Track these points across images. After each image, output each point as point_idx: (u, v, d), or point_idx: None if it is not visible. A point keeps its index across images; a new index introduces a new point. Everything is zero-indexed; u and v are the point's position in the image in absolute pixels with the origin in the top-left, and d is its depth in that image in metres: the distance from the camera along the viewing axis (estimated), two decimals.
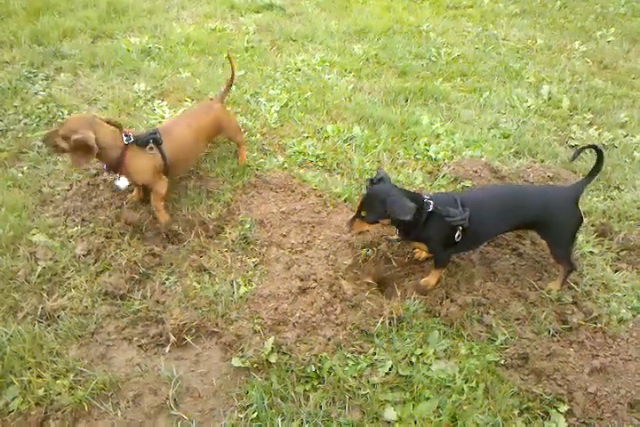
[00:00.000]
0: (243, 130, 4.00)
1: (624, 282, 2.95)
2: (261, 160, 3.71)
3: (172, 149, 2.97)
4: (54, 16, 5.45)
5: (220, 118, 3.35)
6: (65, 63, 4.72)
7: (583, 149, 2.72)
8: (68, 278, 2.77)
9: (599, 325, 2.70)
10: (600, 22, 6.48)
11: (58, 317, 2.59)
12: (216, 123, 3.33)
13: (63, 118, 3.98)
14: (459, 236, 2.58)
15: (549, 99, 4.68)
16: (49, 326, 2.56)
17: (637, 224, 3.35)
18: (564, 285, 2.85)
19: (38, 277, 2.75)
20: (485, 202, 2.71)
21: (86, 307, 2.64)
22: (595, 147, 2.65)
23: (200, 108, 3.40)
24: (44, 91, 4.30)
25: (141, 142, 2.87)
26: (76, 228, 3.03)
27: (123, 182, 3.02)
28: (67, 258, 2.84)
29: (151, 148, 2.90)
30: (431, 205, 2.55)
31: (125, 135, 2.84)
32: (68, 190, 3.34)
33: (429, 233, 2.62)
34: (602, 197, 3.55)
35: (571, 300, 2.80)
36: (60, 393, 2.27)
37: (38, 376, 2.32)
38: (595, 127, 4.27)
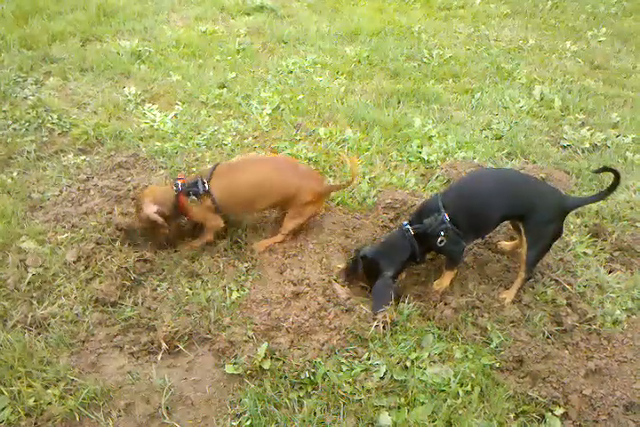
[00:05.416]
0: (235, 134, 3.99)
1: (618, 283, 2.94)
2: None
3: None
4: (43, 20, 5.40)
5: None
6: (54, 67, 4.69)
7: (604, 170, 2.72)
8: (59, 286, 2.73)
9: (594, 326, 2.69)
10: (591, 22, 6.51)
11: (48, 325, 2.55)
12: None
13: (53, 123, 3.95)
14: (441, 242, 2.62)
15: (541, 99, 4.68)
16: (39, 334, 2.52)
17: (630, 224, 3.35)
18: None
19: (28, 284, 2.71)
20: (483, 181, 2.73)
21: (77, 315, 2.60)
22: (615, 171, 2.60)
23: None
24: (33, 95, 4.25)
25: None
26: (66, 234, 2.99)
27: None
28: (57, 265, 2.80)
29: None
30: (411, 231, 2.68)
31: None
32: (58, 196, 3.30)
33: (432, 244, 2.67)
34: None
35: (565, 301, 2.80)
36: (50, 403, 2.23)
37: (28, 386, 2.28)
38: (587, 128, 4.27)
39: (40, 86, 4.44)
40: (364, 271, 2.80)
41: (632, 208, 3.45)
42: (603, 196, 2.71)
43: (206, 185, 2.83)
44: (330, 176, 3.62)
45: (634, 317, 2.78)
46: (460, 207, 2.63)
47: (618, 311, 2.77)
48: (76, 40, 5.14)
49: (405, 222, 2.76)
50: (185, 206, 2.87)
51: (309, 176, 2.98)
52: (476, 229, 2.73)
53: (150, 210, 2.80)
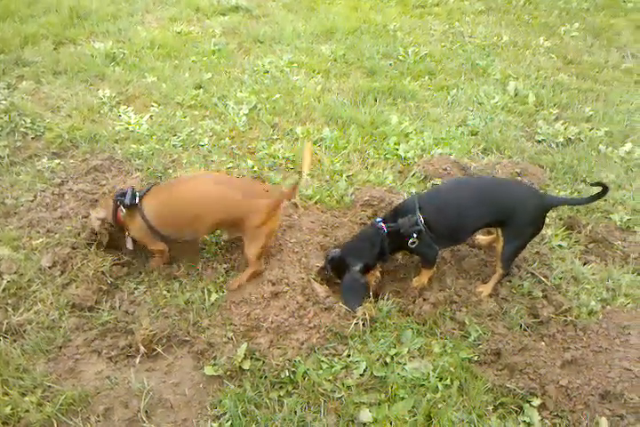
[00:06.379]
0: (211, 134, 3.96)
1: (593, 274, 2.99)
2: (230, 164, 3.67)
3: None
4: (15, 23, 5.32)
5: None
6: (27, 71, 4.61)
7: (598, 184, 2.67)
8: (34, 292, 2.69)
9: (569, 317, 2.73)
10: (564, 18, 6.58)
11: (24, 331, 2.52)
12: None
13: (26, 127, 3.89)
14: (413, 243, 2.64)
15: (516, 95, 4.73)
16: (15, 341, 2.49)
17: (604, 217, 3.40)
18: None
19: (3, 291, 2.67)
20: (462, 191, 2.74)
21: (53, 320, 2.57)
22: (603, 185, 2.60)
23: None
24: (5, 100, 4.17)
25: None
26: (40, 239, 2.95)
27: None
28: (32, 271, 2.77)
29: None
30: (385, 229, 2.69)
31: None
32: (32, 201, 3.26)
33: (403, 244, 2.68)
34: (569, 191, 3.60)
35: (541, 294, 2.84)
36: (27, 410, 2.20)
37: (5, 394, 2.25)
38: (561, 122, 4.32)
39: (13, 90, 4.36)
40: (333, 272, 2.83)
41: (605, 200, 3.50)
42: (584, 201, 2.79)
43: (136, 198, 2.67)
44: (308, 175, 3.62)
45: (609, 307, 2.82)
46: (437, 213, 2.65)
47: (593, 302, 2.81)
48: (48, 43, 5.06)
49: (379, 219, 2.76)
50: (120, 219, 2.74)
51: (254, 192, 2.71)
52: (452, 235, 2.75)
53: (95, 215, 2.76)
